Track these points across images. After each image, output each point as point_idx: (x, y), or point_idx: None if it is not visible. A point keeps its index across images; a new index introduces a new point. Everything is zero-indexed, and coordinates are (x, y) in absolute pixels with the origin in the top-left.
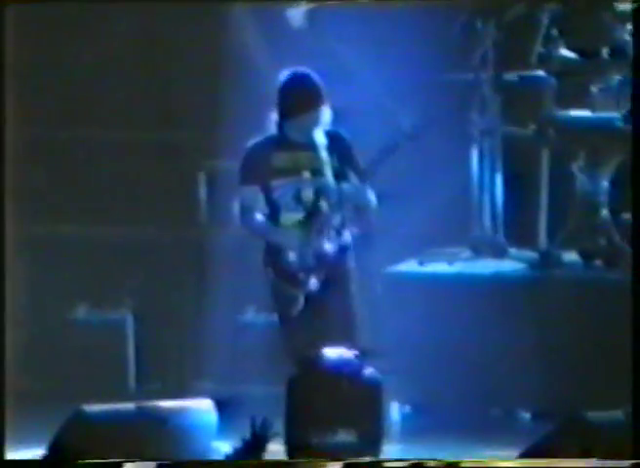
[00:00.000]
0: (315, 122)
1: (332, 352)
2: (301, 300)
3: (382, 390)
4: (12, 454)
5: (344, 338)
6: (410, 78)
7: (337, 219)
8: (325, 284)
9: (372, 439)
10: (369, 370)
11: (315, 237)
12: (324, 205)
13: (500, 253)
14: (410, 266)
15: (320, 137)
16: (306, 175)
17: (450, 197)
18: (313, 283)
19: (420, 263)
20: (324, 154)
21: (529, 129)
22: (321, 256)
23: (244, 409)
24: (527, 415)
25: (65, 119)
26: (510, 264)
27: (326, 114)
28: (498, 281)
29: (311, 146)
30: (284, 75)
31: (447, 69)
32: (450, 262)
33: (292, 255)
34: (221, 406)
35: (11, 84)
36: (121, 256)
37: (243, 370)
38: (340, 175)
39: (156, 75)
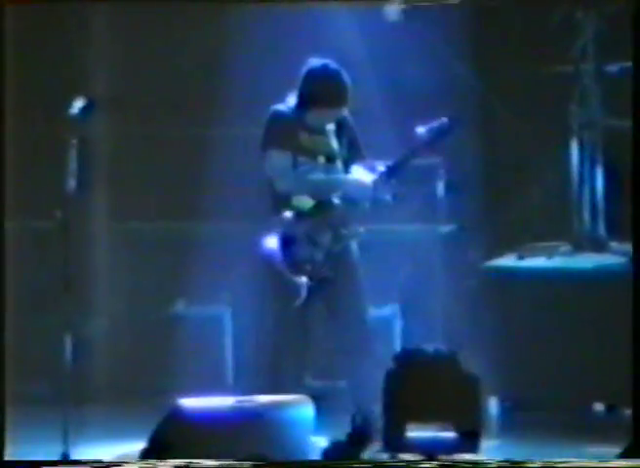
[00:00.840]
0: (335, 118)
1: (430, 347)
2: (304, 291)
3: (481, 385)
4: (113, 449)
5: (350, 329)
6: (509, 71)
7: (345, 211)
8: (330, 274)
9: (470, 434)
10: (467, 365)
11: (323, 227)
12: (335, 196)
13: (600, 247)
14: (509, 260)
15: (331, 125)
16: (321, 159)
17: (549, 190)
18: (319, 273)
19: (520, 257)
20: (335, 142)
21: (629, 121)
22: (328, 247)
23: (341, 405)
24: (628, 412)
25: (165, 114)
26: (611, 258)
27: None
28: (598, 275)
29: (325, 133)
30: (313, 63)
31: (547, 61)
32: (549, 256)
33: (300, 244)
34: (319, 401)
35: (106, 80)
36: (219, 251)
37: (340, 364)
38: (347, 164)
39: (251, 72)
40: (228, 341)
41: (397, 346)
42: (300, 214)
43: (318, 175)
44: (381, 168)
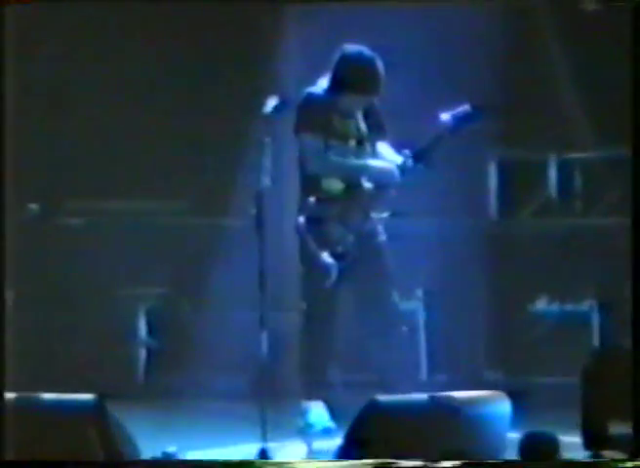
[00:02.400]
0: (366, 104)
1: (627, 343)
2: (335, 272)
3: None
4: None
5: (377, 312)
6: None
7: (374, 195)
8: (359, 256)
9: None
10: None
11: (354, 209)
12: (364, 179)
13: None
14: None
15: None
16: (352, 143)
17: None
18: (350, 254)
19: None
20: (364, 125)
21: None
22: (358, 229)
23: (537, 401)
24: None
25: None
26: None
27: None
28: None
29: (355, 117)
30: (348, 49)
31: None
32: None
33: (332, 226)
34: (515, 397)
35: (297, 79)
36: (418, 246)
37: (536, 360)
38: (375, 148)
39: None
40: (422, 336)
41: (595, 342)
42: (330, 197)
43: (347, 159)
44: (407, 153)
